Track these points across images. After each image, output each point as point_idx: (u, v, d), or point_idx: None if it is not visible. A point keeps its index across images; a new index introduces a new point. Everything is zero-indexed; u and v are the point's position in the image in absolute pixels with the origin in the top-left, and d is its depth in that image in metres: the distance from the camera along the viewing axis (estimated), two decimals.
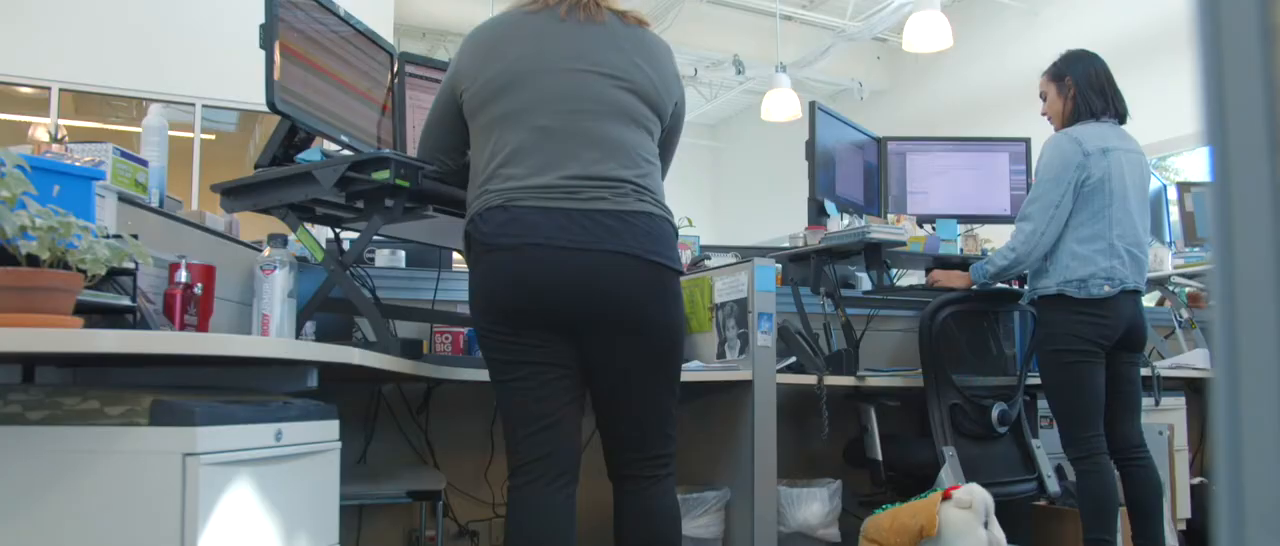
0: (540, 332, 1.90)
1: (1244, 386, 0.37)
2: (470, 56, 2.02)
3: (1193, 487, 3.78)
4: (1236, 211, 0.37)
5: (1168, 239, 4.59)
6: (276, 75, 2.13)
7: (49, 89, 6.42)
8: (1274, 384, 0.35)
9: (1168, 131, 6.83)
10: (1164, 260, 4.30)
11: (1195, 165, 7.21)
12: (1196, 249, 4.51)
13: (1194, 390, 4.09)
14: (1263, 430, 0.36)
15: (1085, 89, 3.05)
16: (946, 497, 2.66)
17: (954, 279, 3.25)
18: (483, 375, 2.05)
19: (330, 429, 1.76)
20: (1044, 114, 3.15)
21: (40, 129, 6.60)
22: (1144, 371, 3.72)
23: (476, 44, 2.03)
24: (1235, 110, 0.37)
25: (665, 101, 2.04)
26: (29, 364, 1.69)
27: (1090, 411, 2.94)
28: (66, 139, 2.27)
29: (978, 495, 2.61)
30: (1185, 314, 4.36)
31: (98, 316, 1.69)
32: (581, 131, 1.91)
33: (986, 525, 2.61)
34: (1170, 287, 4.41)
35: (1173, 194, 4.76)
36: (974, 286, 3.17)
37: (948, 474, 3.05)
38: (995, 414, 3.18)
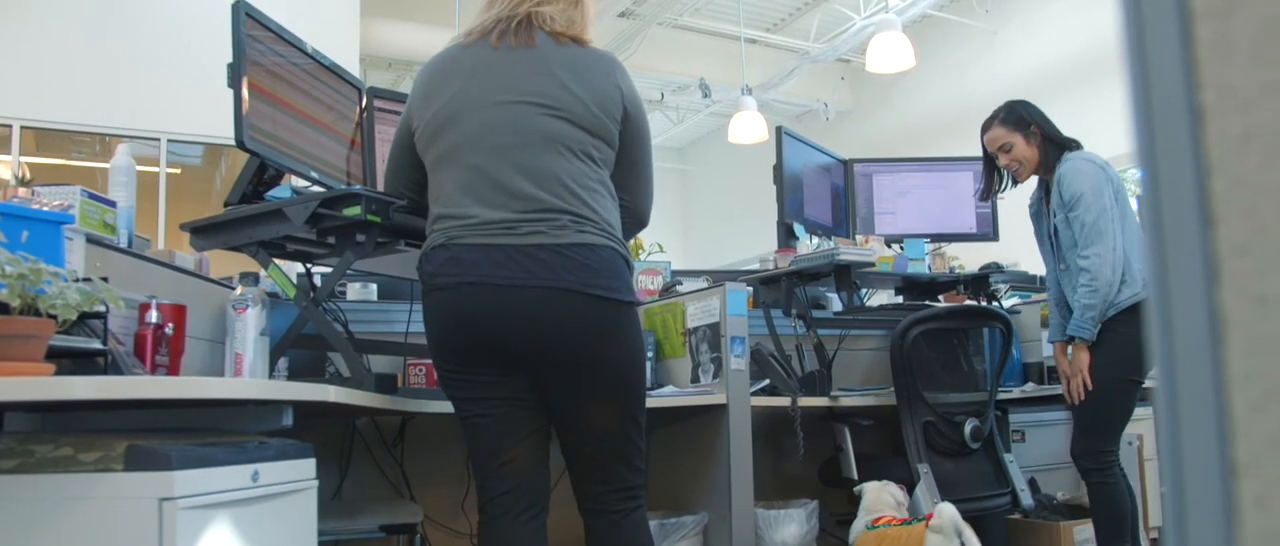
0: (490, 369, 1.90)
1: (1182, 399, 0.39)
2: (415, 97, 2.03)
3: (1163, 495, 3.83)
4: (1167, 228, 0.40)
5: None
6: (245, 113, 2.13)
7: (10, 126, 6.35)
8: (1209, 400, 0.37)
9: (1126, 146, 6.97)
10: None
11: None
12: None
13: None
14: (1200, 440, 0.38)
15: (1053, 128, 3.13)
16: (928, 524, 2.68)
17: (1079, 364, 2.99)
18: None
19: (307, 467, 1.76)
20: (1007, 165, 3.17)
21: (1, 167, 6.54)
22: None
23: (419, 84, 2.04)
24: (1163, 135, 0.39)
25: (604, 121, 1.96)
26: None
27: (1124, 427, 3.01)
28: (33, 181, 2.26)
29: (945, 516, 2.64)
30: None
31: (68, 361, 1.68)
32: (514, 166, 1.88)
33: (963, 542, 2.64)
34: None
35: (1133, 205, 4.84)
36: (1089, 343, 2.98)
37: (923, 491, 3.07)
38: (968, 430, 3.21)
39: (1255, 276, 0.34)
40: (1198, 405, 0.36)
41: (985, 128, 3.21)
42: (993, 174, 3.26)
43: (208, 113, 5.76)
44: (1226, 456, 0.35)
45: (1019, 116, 3.13)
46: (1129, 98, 0.39)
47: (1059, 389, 3.58)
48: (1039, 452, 3.61)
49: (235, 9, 2.17)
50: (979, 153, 3.93)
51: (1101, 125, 7.30)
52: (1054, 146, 3.09)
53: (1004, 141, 3.15)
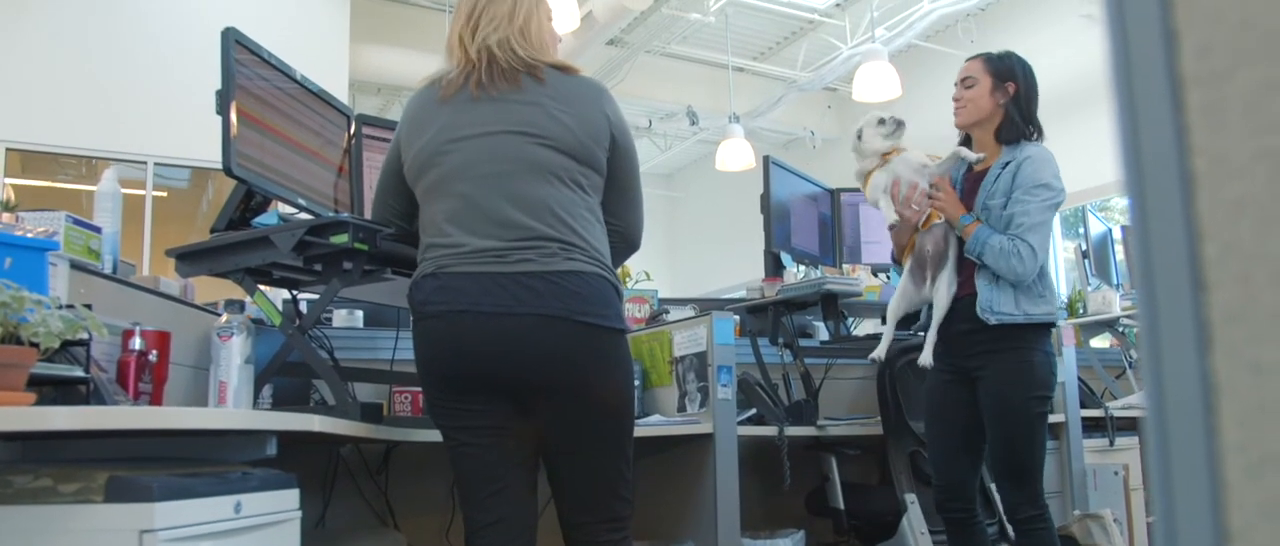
0: (480, 398, 1.89)
1: (1175, 465, 0.39)
2: (404, 128, 2.04)
3: (1149, 525, 3.84)
4: (1155, 256, 0.40)
5: (1115, 281, 4.70)
6: (233, 138, 2.12)
7: None
8: (1202, 466, 0.37)
9: (1112, 174, 7.02)
10: (1112, 302, 4.40)
11: None
12: None
13: None
14: (1193, 507, 0.38)
15: (1031, 107, 2.71)
16: None
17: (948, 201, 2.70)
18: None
19: (290, 498, 1.74)
20: (956, 98, 2.75)
21: None
22: (1097, 412, 3.80)
23: (408, 114, 2.05)
24: (1154, 201, 0.39)
25: (592, 148, 1.96)
26: None
27: (1044, 457, 2.72)
28: (18, 205, 2.24)
29: None
30: (1135, 355, 4.45)
31: (49, 388, 1.66)
32: (502, 194, 1.89)
33: None
34: (1119, 329, 4.51)
35: (1118, 234, 4.87)
36: (962, 221, 2.65)
37: (909, 522, 3.07)
38: None
39: (1249, 344, 0.34)
40: (1190, 471, 0.36)
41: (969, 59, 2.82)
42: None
43: (195, 136, 5.75)
44: (1219, 523, 0.35)
45: (1005, 68, 2.70)
46: (1121, 163, 0.39)
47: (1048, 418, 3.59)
48: None
49: (225, 36, 2.17)
50: None
51: (1088, 152, 7.37)
52: (1016, 124, 2.67)
53: (971, 75, 2.72)
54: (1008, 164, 2.64)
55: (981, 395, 2.64)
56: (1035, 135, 2.70)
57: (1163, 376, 0.36)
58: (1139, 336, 0.39)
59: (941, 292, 2.67)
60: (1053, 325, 2.66)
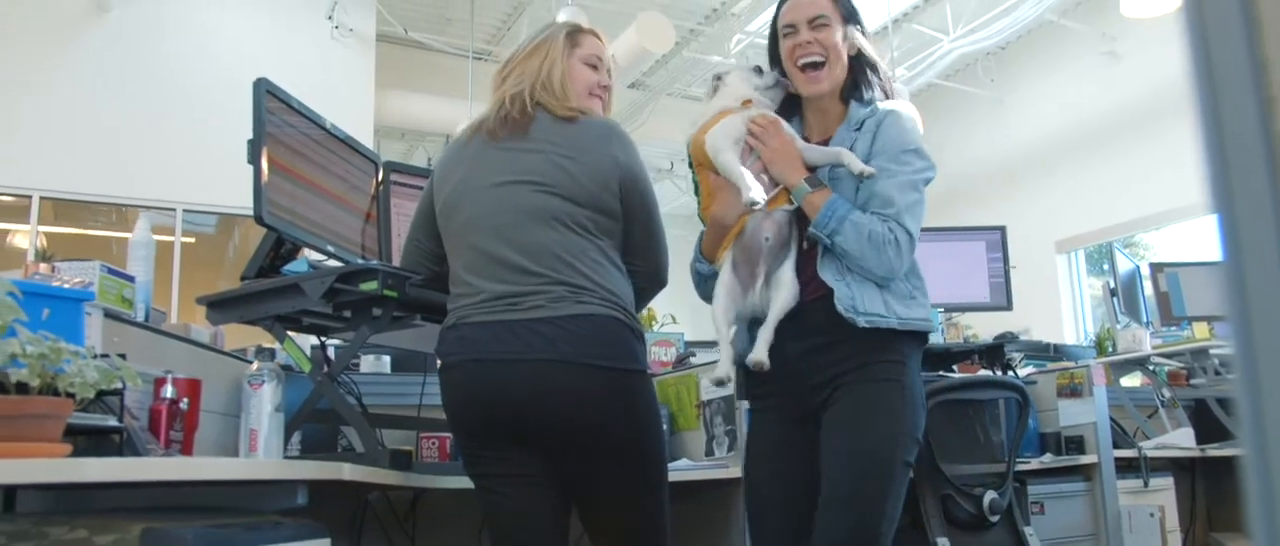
0: (501, 445, 1.89)
1: (1276, 471, 0.38)
2: (437, 173, 2.10)
3: None
4: (1249, 277, 0.38)
5: (1145, 318, 4.65)
6: (264, 187, 2.15)
7: (30, 197, 6.43)
8: None
9: (1137, 210, 6.98)
10: (1142, 340, 4.35)
11: (1165, 243, 7.34)
12: (1173, 328, 4.57)
13: (1181, 469, 4.10)
14: None
15: (871, 58, 2.08)
16: None
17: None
18: (470, 482, 2.05)
19: None
20: (807, 41, 1.99)
21: (19, 236, 6.60)
22: (1130, 452, 3.74)
23: (440, 162, 2.12)
24: (1241, 194, 0.38)
25: (598, 192, 1.95)
26: (10, 489, 1.66)
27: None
28: (53, 255, 2.27)
29: None
30: (1166, 393, 4.39)
31: (83, 437, 1.67)
32: (510, 243, 1.91)
33: None
34: (1150, 367, 4.45)
35: (1146, 272, 4.83)
36: (804, 188, 1.94)
37: None
38: (986, 502, 3.16)
39: None
40: None
41: None
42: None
43: (224, 183, 5.83)
44: None
45: (850, 7, 2.05)
46: (1209, 195, 0.38)
47: (1079, 460, 3.55)
48: (1059, 525, 3.55)
49: (257, 86, 2.20)
50: (989, 222, 3.87)
51: (1111, 190, 7.34)
52: (877, 74, 2.07)
53: (823, 14, 2.00)
54: (863, 124, 2.00)
55: (827, 432, 1.91)
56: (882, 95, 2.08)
57: (1264, 418, 0.35)
58: (1235, 377, 0.38)
59: (786, 287, 1.96)
60: (928, 335, 2.02)
